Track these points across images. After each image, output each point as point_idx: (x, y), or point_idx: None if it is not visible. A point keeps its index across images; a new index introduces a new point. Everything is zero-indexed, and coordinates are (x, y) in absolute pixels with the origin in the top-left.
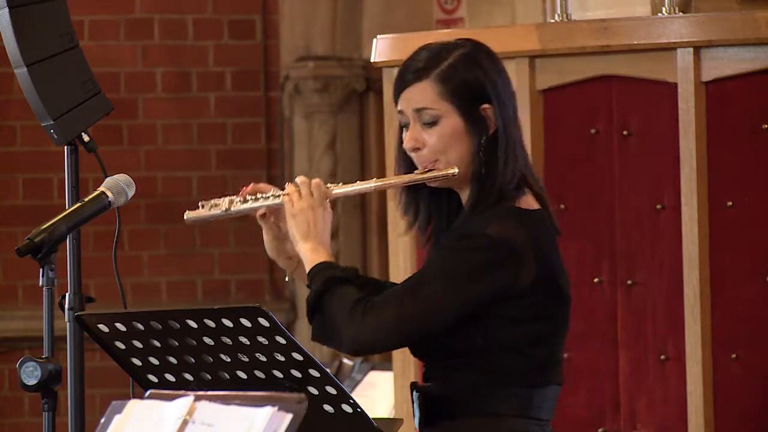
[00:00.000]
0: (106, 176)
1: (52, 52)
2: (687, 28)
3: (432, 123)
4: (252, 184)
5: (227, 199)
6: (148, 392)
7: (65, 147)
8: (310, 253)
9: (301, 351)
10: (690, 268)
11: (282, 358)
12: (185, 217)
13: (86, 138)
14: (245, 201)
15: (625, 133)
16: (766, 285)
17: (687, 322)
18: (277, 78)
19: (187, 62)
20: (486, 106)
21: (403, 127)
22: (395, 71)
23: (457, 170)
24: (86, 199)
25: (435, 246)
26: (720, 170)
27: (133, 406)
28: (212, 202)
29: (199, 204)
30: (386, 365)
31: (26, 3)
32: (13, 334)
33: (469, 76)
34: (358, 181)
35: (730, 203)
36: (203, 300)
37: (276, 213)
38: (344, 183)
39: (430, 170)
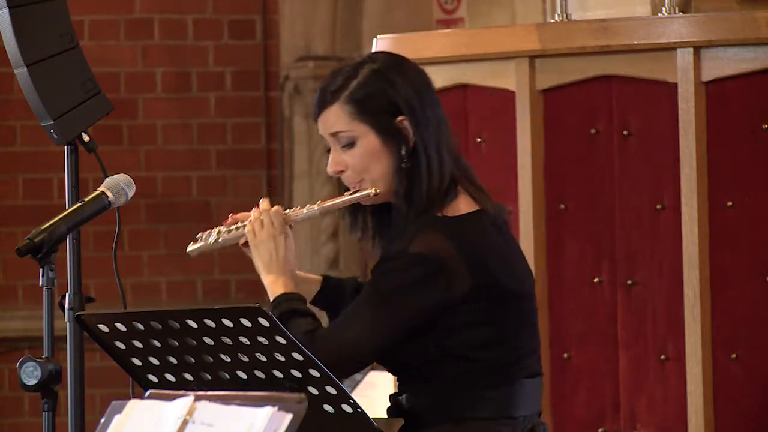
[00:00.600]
0: (106, 176)
1: (52, 52)
2: (687, 28)
3: (350, 144)
4: (231, 215)
5: (216, 229)
6: (148, 392)
7: (65, 147)
8: (272, 286)
9: (301, 351)
10: (690, 268)
11: (282, 358)
12: (188, 251)
13: (86, 138)
14: (230, 231)
15: (625, 133)
16: (766, 285)
17: (687, 322)
18: (277, 78)
19: (187, 62)
20: (401, 118)
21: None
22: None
23: (375, 190)
24: (86, 199)
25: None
26: (720, 170)
27: (133, 406)
28: (207, 232)
29: (197, 236)
30: None
31: (26, 3)
32: (13, 334)
33: (378, 93)
34: (308, 205)
35: (730, 203)
36: (203, 300)
37: None
38: (299, 207)
39: (357, 191)
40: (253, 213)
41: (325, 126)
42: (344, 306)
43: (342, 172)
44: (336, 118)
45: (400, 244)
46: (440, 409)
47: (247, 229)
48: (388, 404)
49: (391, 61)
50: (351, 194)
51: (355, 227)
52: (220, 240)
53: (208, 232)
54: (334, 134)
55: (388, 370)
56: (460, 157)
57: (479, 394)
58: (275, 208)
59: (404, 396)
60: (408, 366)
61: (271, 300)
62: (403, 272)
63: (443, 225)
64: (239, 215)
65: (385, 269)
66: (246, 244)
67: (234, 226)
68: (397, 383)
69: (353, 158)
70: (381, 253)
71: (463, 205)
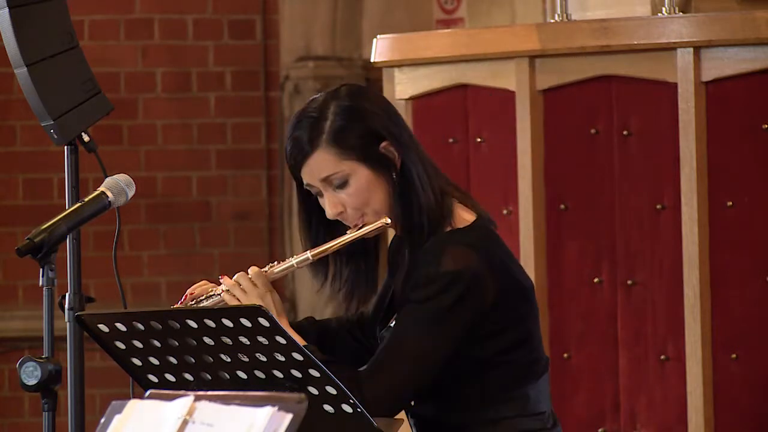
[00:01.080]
0: (106, 176)
1: (52, 52)
2: (687, 28)
3: (343, 185)
4: (189, 290)
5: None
6: (148, 392)
7: (65, 147)
8: None
9: (301, 351)
10: (690, 268)
11: (282, 358)
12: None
13: (86, 138)
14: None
15: (625, 133)
16: (766, 285)
17: (687, 322)
18: (277, 78)
19: (187, 62)
20: (384, 144)
21: (315, 196)
22: (395, 71)
23: (388, 219)
24: (86, 199)
25: (397, 295)
26: (720, 170)
27: (133, 406)
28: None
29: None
30: None
31: (26, 3)
32: (13, 334)
33: (356, 126)
34: (294, 256)
35: (730, 203)
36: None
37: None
38: (279, 261)
39: (363, 225)
40: (225, 282)
41: (312, 174)
42: (333, 345)
43: (342, 213)
44: (323, 164)
45: (426, 270)
46: (470, 414)
47: (226, 298)
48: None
49: (354, 91)
50: (357, 229)
51: (320, 272)
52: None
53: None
54: (324, 179)
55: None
56: (438, 168)
57: (511, 395)
58: (254, 269)
59: (428, 405)
60: (440, 383)
61: None
62: (444, 294)
63: (462, 238)
64: (197, 289)
65: (425, 295)
66: None
67: (192, 302)
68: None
69: (350, 197)
70: (409, 280)
71: (464, 215)
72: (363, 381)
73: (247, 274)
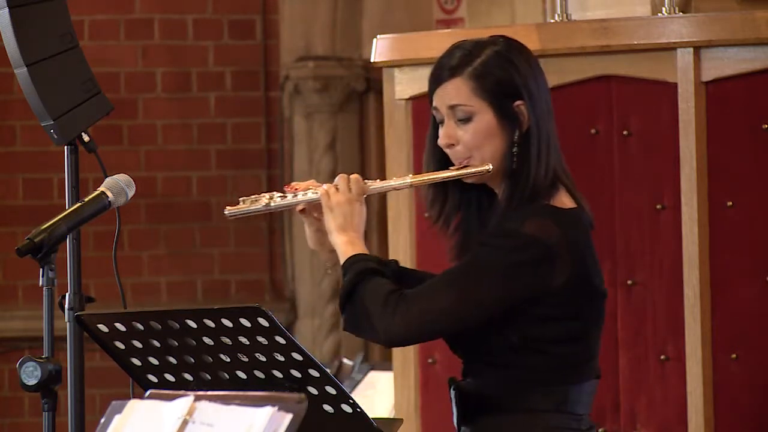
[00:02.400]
0: (106, 176)
1: (52, 52)
2: (687, 28)
3: (466, 119)
4: (293, 183)
5: (267, 194)
6: (148, 392)
7: (65, 147)
8: (345, 245)
9: (300, 351)
10: (690, 268)
11: (281, 358)
12: (226, 212)
13: (86, 138)
14: (284, 197)
15: (625, 133)
16: (766, 285)
17: (687, 322)
18: (277, 78)
19: (187, 62)
20: (519, 102)
21: (438, 123)
22: (395, 71)
23: (491, 166)
24: (86, 199)
25: (472, 242)
26: (720, 170)
27: (133, 406)
28: (252, 197)
29: (240, 199)
30: (386, 365)
31: (26, 3)
32: (13, 334)
33: (502, 74)
34: (394, 178)
35: (730, 203)
36: (203, 300)
37: (318, 208)
38: (380, 179)
39: (465, 166)
40: (326, 185)
41: (443, 98)
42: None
43: (453, 146)
44: (457, 92)
45: (509, 224)
46: (508, 398)
47: (321, 191)
48: (394, 399)
49: (514, 45)
50: (458, 169)
51: (435, 204)
52: (272, 204)
53: (253, 196)
54: (452, 107)
55: (456, 353)
56: (560, 153)
57: (550, 389)
58: (354, 175)
59: (469, 381)
60: (482, 350)
61: (346, 257)
62: (514, 251)
63: (554, 214)
64: (300, 184)
65: (495, 244)
66: (304, 210)
67: (291, 193)
68: (464, 367)
69: (467, 133)
70: (483, 231)
71: (565, 200)
72: (404, 300)
73: (348, 178)
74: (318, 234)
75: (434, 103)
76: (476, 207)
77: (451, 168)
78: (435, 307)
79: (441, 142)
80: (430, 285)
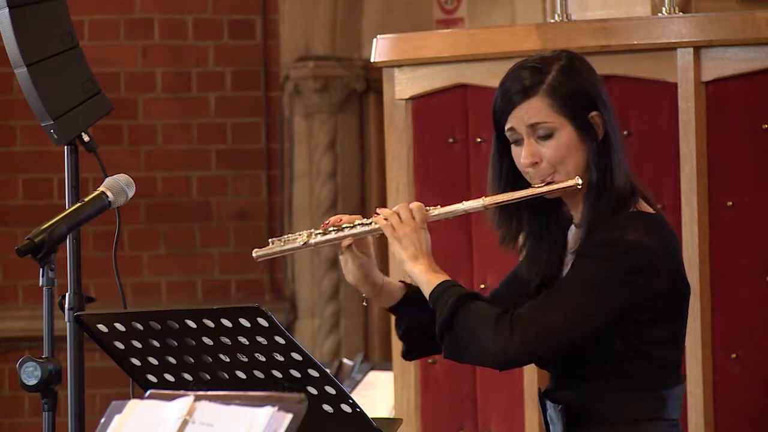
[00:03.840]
0: (106, 176)
1: (52, 52)
2: (687, 28)
3: (547, 136)
4: (333, 217)
5: (305, 232)
6: (148, 392)
7: (65, 147)
8: (426, 273)
9: (300, 351)
10: (690, 268)
11: (281, 358)
12: (254, 255)
13: (86, 138)
14: (326, 233)
15: (625, 133)
16: (766, 285)
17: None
18: (277, 78)
19: (187, 62)
20: (594, 113)
21: (510, 144)
22: (395, 71)
23: (580, 180)
24: (86, 199)
25: (541, 262)
26: (720, 170)
27: (133, 406)
28: (285, 237)
29: (269, 241)
30: (386, 365)
31: (26, 3)
32: (13, 334)
33: (574, 87)
34: (463, 201)
35: (730, 203)
36: (203, 300)
37: (360, 242)
38: (441, 206)
39: (549, 183)
40: (382, 211)
41: (521, 119)
42: (420, 316)
43: (537, 164)
44: (536, 110)
45: (608, 234)
46: (607, 408)
47: (381, 222)
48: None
49: (577, 57)
50: (544, 186)
51: (504, 224)
52: (311, 242)
53: (286, 237)
54: (532, 126)
55: (550, 366)
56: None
57: (650, 394)
58: (416, 204)
59: (564, 393)
60: (580, 361)
61: (433, 285)
62: (620, 260)
63: (648, 220)
64: (344, 216)
65: (599, 255)
66: (350, 245)
67: (334, 228)
68: (553, 380)
69: (550, 150)
70: (581, 243)
71: (646, 206)
72: (517, 321)
73: (409, 207)
74: (362, 269)
75: (510, 125)
76: (546, 225)
77: (535, 185)
78: (552, 325)
79: (525, 161)
80: (543, 302)
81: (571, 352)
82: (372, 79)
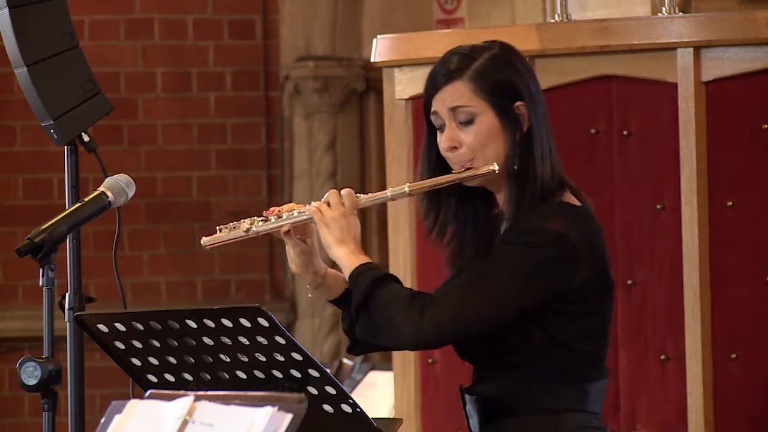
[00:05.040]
0: (106, 176)
1: (52, 52)
2: (687, 28)
3: (468, 122)
4: (273, 208)
5: (248, 220)
6: (148, 392)
7: (65, 147)
8: (349, 256)
9: (300, 351)
10: (690, 268)
11: (281, 358)
12: (202, 242)
13: (86, 138)
14: (267, 220)
15: (625, 133)
16: (766, 285)
17: (687, 322)
18: (277, 78)
19: (187, 62)
20: (519, 103)
21: (436, 130)
22: (395, 71)
23: (497, 166)
24: (86, 199)
25: (467, 251)
26: (720, 170)
27: (133, 406)
28: (231, 224)
29: (217, 228)
30: (386, 365)
31: (26, 3)
32: (13, 334)
33: (501, 75)
34: (389, 188)
35: (730, 203)
36: (203, 300)
37: (301, 229)
38: (371, 193)
39: (468, 169)
40: (315, 202)
41: (443, 102)
42: None
43: (455, 149)
44: (458, 94)
45: (530, 223)
46: (527, 399)
47: (311, 209)
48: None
49: (509, 48)
50: (462, 172)
51: (431, 213)
52: (253, 229)
53: (232, 224)
54: (453, 109)
55: (467, 358)
56: (558, 157)
57: (573, 386)
58: (346, 189)
59: (484, 386)
60: (498, 353)
61: (353, 267)
62: (540, 249)
63: (571, 211)
64: (285, 206)
65: (520, 242)
66: (288, 231)
67: (273, 216)
68: (476, 372)
69: (470, 135)
70: (504, 231)
71: (573, 200)
72: (429, 302)
73: (339, 193)
74: (302, 256)
75: (433, 108)
76: (472, 216)
77: (454, 171)
78: (465, 307)
79: (443, 145)
80: (459, 285)
81: (494, 342)
82: (372, 79)
